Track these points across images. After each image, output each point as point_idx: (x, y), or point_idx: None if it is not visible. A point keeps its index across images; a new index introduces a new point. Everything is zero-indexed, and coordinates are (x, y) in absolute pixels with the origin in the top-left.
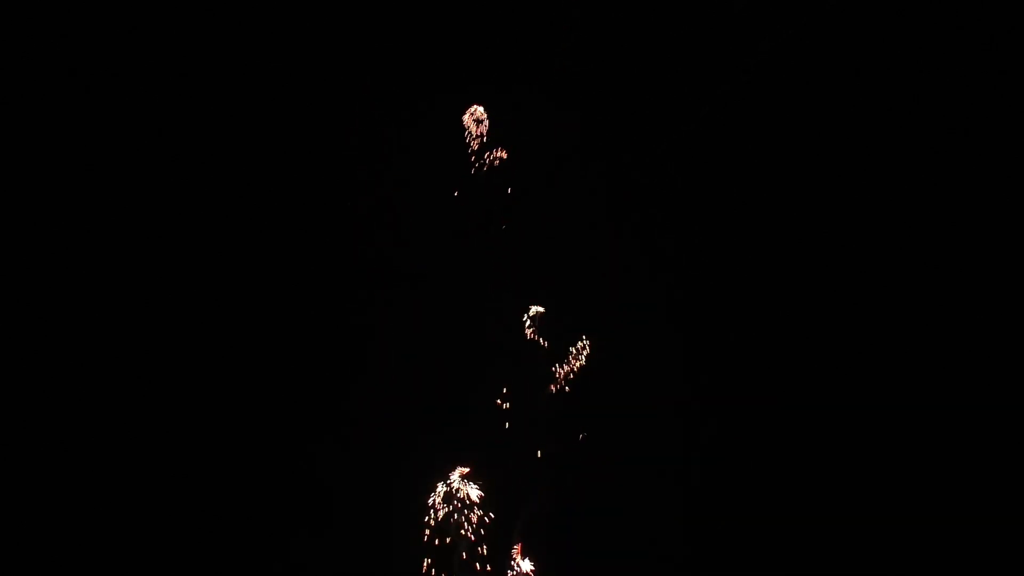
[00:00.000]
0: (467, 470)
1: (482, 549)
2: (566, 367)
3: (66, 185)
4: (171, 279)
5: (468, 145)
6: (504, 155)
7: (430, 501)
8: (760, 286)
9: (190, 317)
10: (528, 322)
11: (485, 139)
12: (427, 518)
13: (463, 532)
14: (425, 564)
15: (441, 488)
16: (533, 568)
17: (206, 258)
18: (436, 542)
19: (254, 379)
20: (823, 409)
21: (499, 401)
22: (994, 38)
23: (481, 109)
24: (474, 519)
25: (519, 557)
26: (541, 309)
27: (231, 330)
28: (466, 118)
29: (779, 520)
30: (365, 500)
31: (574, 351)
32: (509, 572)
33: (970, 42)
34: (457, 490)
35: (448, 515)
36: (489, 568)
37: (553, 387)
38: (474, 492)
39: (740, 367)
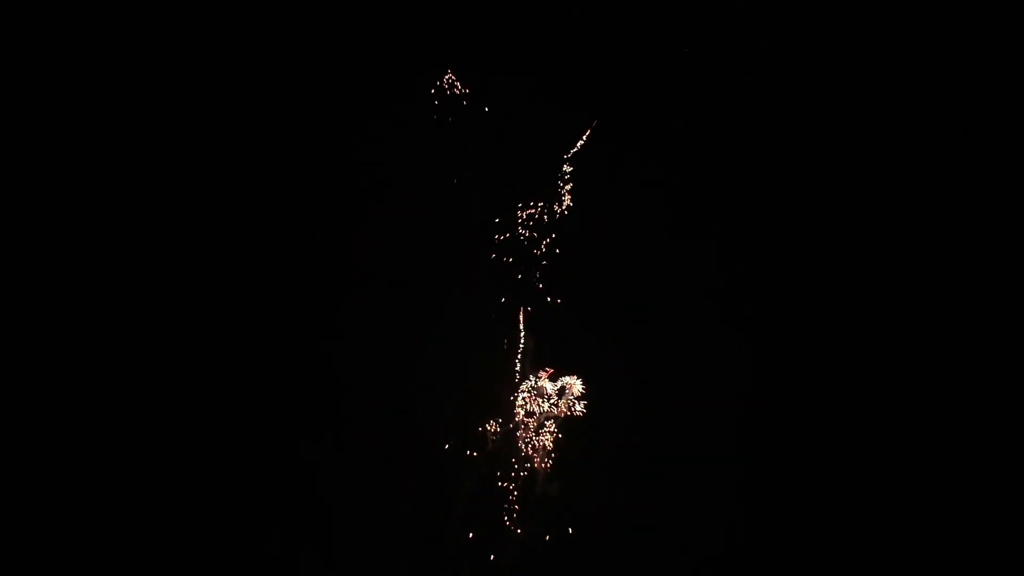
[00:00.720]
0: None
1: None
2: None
3: (66, 185)
4: (170, 279)
5: (446, 120)
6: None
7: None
8: (760, 286)
9: (188, 317)
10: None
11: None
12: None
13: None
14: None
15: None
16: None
17: (205, 259)
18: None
19: (251, 381)
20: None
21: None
22: (994, 38)
23: (451, 78)
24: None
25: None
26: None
27: (229, 331)
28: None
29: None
30: (365, 502)
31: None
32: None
33: (970, 42)
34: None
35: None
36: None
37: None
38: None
39: (746, 368)
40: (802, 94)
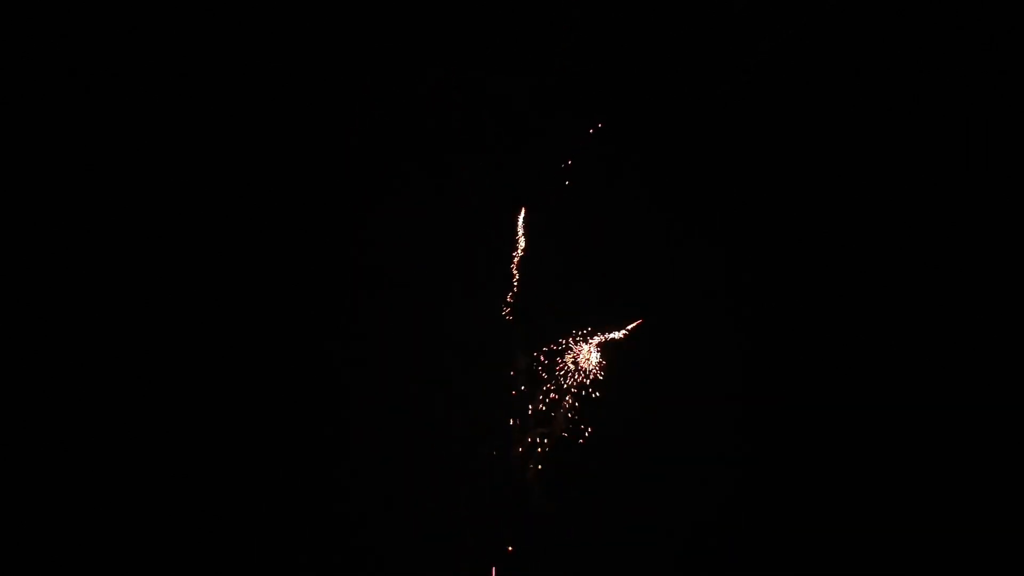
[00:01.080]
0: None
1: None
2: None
3: (66, 185)
4: (172, 280)
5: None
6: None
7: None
8: (760, 286)
9: (190, 317)
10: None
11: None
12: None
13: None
14: None
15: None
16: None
17: (207, 260)
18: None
19: (251, 381)
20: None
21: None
22: (994, 38)
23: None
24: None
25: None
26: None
27: (230, 332)
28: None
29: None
30: (364, 502)
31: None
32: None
33: (970, 42)
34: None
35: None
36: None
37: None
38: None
39: (746, 368)
40: (802, 94)
